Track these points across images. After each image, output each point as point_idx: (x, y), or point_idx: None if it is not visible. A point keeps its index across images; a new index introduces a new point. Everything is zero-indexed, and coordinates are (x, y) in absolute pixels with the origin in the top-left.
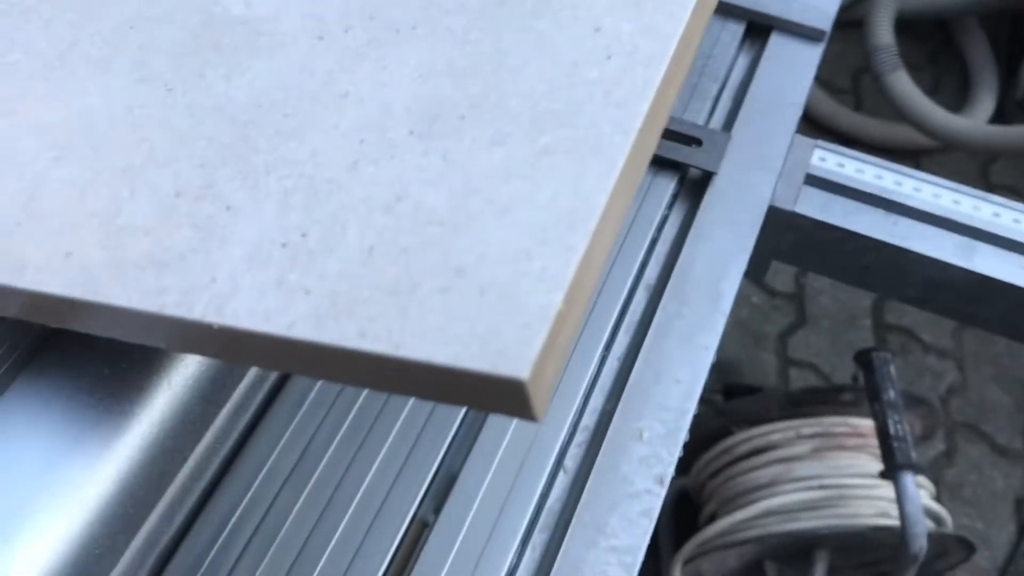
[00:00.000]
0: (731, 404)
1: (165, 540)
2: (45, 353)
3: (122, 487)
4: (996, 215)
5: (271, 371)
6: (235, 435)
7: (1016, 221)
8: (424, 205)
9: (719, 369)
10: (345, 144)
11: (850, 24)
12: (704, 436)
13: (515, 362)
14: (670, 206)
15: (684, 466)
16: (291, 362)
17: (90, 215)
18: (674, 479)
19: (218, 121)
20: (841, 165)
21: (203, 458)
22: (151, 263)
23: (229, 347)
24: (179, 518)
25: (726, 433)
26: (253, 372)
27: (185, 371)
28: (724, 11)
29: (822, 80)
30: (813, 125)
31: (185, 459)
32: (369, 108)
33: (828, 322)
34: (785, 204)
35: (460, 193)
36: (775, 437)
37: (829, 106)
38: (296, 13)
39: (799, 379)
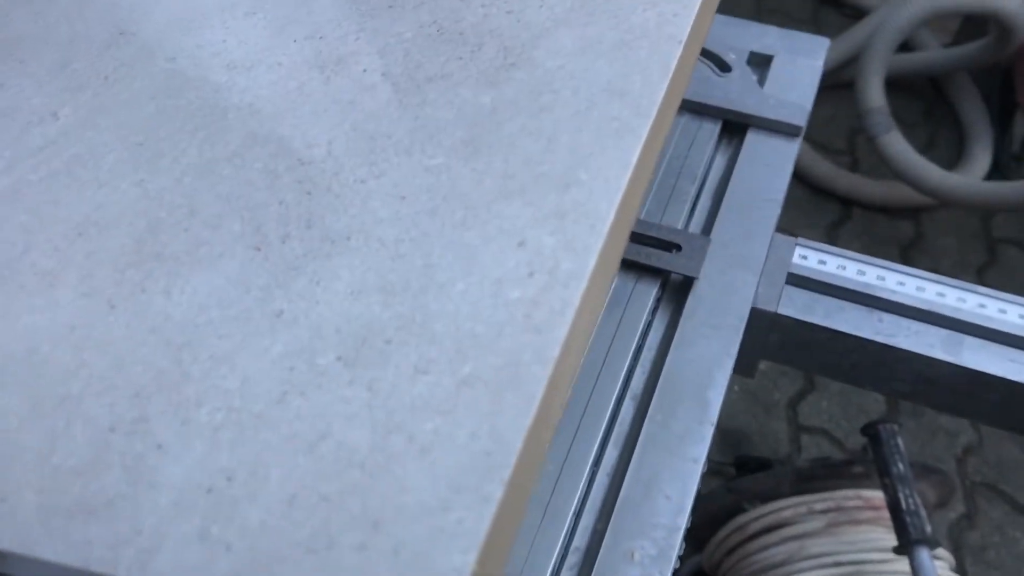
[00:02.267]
0: (743, 480)
1: None
2: None
3: None
4: (982, 306)
5: None
6: None
7: (1002, 312)
8: (346, 444)
9: (730, 440)
10: (275, 372)
11: (842, 85)
12: (717, 512)
13: None
14: (653, 312)
15: (700, 543)
16: None
17: (25, 451)
18: (690, 556)
19: (155, 343)
20: (823, 262)
21: None
22: (81, 510)
23: None
24: None
25: (739, 509)
26: None
27: None
28: (699, 110)
29: (817, 142)
30: (811, 188)
31: None
32: (301, 330)
33: (838, 386)
34: (768, 305)
35: (382, 430)
36: (787, 513)
37: (826, 168)
38: (236, 219)
39: (811, 446)
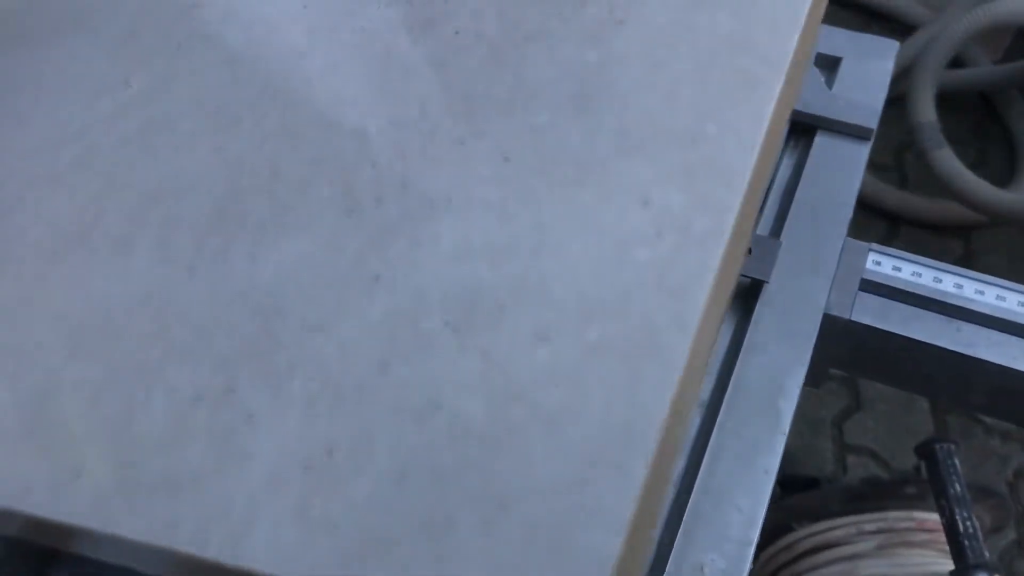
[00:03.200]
0: (791, 498)
1: None
2: (54, 570)
3: None
4: None
5: None
6: None
7: None
8: (461, 415)
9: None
10: (375, 338)
11: (891, 101)
12: (765, 532)
13: None
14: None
15: None
16: None
17: (102, 422)
18: None
19: (241, 309)
20: (897, 269)
21: None
22: (164, 485)
23: None
24: None
25: (787, 528)
26: None
27: None
28: None
29: None
30: (858, 204)
31: None
32: (401, 294)
33: (884, 406)
34: (841, 312)
35: (501, 400)
36: (838, 533)
37: (873, 184)
38: (324, 182)
39: (857, 466)
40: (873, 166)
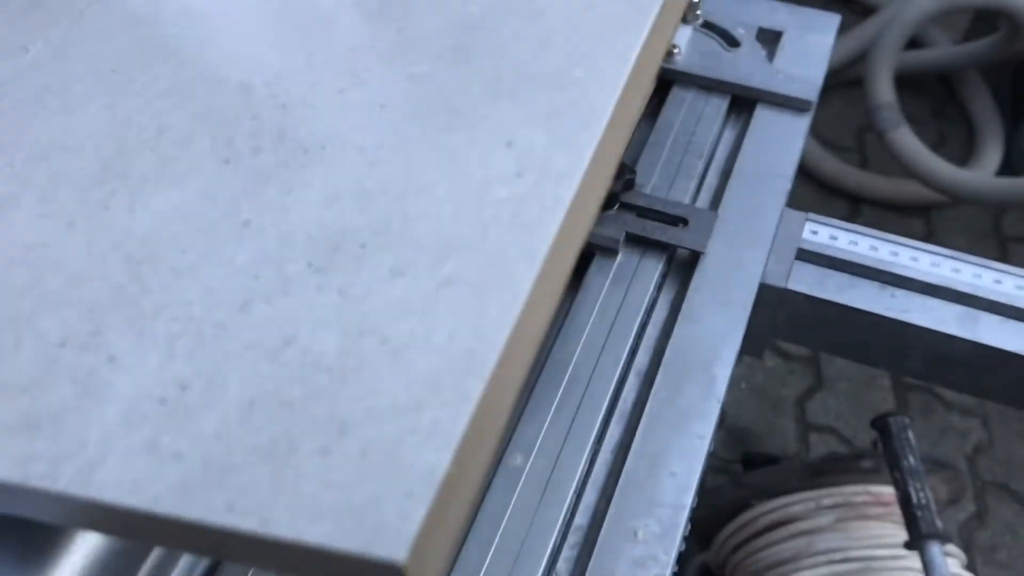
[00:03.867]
0: (750, 475)
1: None
2: None
3: None
4: (998, 282)
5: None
6: None
7: (1019, 288)
8: (313, 350)
9: (737, 437)
10: (239, 281)
11: (851, 83)
12: (724, 508)
13: (392, 541)
14: (659, 288)
15: (706, 540)
16: (163, 536)
17: None
18: (696, 554)
19: (115, 259)
20: (834, 238)
21: None
22: (25, 425)
23: (99, 521)
24: None
25: (746, 505)
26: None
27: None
28: (707, 86)
29: (826, 140)
30: (819, 185)
31: None
32: (269, 238)
33: (846, 384)
34: (777, 281)
35: (353, 334)
36: (796, 509)
37: (834, 165)
38: (206, 135)
39: (819, 444)
40: (834, 147)
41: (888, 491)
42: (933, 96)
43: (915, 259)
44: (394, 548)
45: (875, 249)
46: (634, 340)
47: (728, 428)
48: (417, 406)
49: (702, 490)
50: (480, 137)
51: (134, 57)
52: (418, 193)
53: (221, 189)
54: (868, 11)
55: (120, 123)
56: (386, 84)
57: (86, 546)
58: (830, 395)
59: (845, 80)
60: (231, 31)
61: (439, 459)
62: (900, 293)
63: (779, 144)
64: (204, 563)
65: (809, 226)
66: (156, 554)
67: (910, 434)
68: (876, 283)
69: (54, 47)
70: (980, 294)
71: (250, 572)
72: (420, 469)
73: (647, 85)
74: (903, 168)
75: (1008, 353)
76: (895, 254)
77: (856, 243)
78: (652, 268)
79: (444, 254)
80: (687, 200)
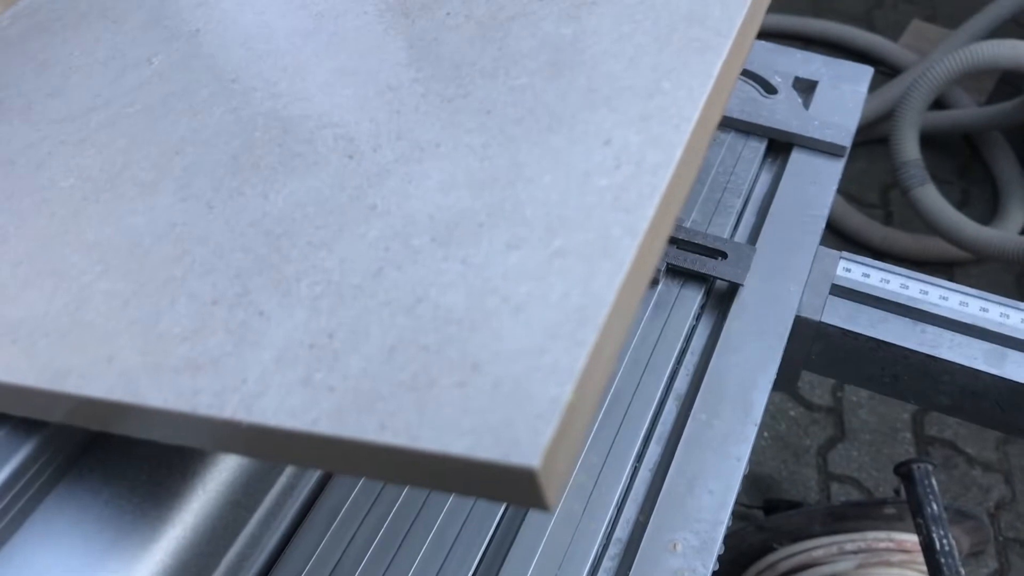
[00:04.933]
0: (772, 519)
1: None
2: (86, 460)
3: None
4: None
5: (305, 478)
6: (269, 542)
7: None
8: (443, 306)
9: (759, 485)
10: (371, 252)
11: (876, 141)
12: (746, 552)
13: (526, 451)
14: (698, 317)
15: None
16: (318, 457)
17: (132, 323)
18: None
19: (255, 234)
20: (866, 275)
21: (234, 563)
22: (187, 366)
23: (259, 444)
24: None
25: (768, 549)
26: (284, 479)
27: (219, 477)
28: (745, 129)
29: (851, 196)
30: (844, 239)
31: (218, 564)
32: (394, 219)
33: (868, 435)
34: (812, 314)
35: (477, 294)
36: (818, 553)
37: (859, 221)
38: (329, 135)
39: (841, 494)
40: (859, 203)
41: (910, 538)
42: (957, 156)
43: (944, 298)
44: (529, 456)
45: (905, 287)
46: (674, 365)
47: (750, 476)
48: (540, 350)
49: (734, 500)
50: (579, 137)
51: (252, 68)
52: (527, 183)
53: (347, 179)
54: (894, 72)
55: (245, 124)
56: (490, 94)
57: (213, 480)
58: (852, 446)
59: (871, 138)
60: (343, 48)
61: (562, 390)
62: (930, 329)
63: (814, 185)
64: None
65: (843, 263)
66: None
67: (933, 481)
68: (907, 319)
69: (175, 60)
70: (1008, 332)
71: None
72: (546, 397)
73: (725, 99)
74: (927, 225)
75: None
76: (925, 292)
77: (888, 281)
78: (692, 298)
79: (553, 231)
80: (726, 235)
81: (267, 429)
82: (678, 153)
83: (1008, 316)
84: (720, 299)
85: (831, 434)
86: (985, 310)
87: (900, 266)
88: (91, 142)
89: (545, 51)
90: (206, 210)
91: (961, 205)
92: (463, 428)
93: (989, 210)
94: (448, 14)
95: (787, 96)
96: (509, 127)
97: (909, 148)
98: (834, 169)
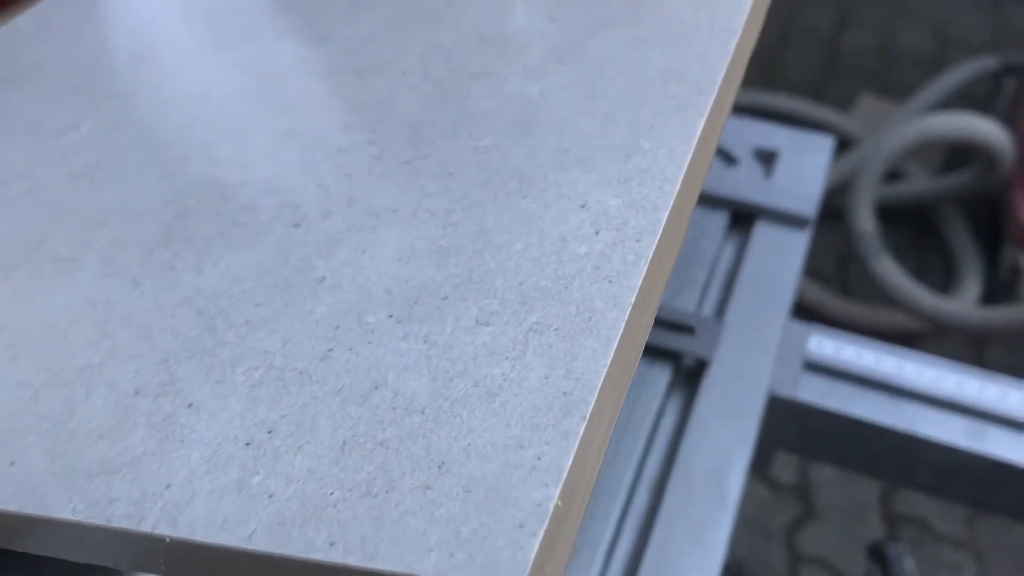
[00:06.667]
0: None
1: None
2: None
3: None
4: (1002, 396)
5: None
6: None
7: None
8: (403, 393)
9: (727, 569)
10: (318, 332)
11: (831, 213)
12: None
13: (508, 571)
14: (666, 396)
15: None
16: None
17: (41, 419)
18: None
19: (186, 313)
20: (839, 350)
21: None
22: (102, 470)
23: (185, 562)
24: None
25: None
26: None
27: None
28: (707, 202)
29: (808, 268)
30: (803, 312)
31: None
32: (346, 293)
33: (836, 515)
34: (786, 391)
35: (443, 378)
36: None
37: (817, 293)
38: (272, 202)
39: None
40: (816, 276)
41: None
42: (911, 227)
43: (920, 372)
44: None
45: (880, 362)
46: (643, 449)
47: None
48: (518, 444)
49: None
50: (552, 200)
51: (190, 133)
52: (496, 250)
53: (292, 250)
54: (845, 145)
55: (179, 192)
56: (452, 156)
57: None
58: (821, 526)
59: (825, 211)
60: (289, 110)
61: (548, 493)
62: (908, 405)
63: (780, 257)
64: None
65: (814, 337)
66: None
67: (909, 561)
68: (883, 395)
69: (105, 125)
70: (986, 407)
71: None
72: (528, 502)
73: (708, 161)
74: (886, 296)
75: (1017, 467)
76: (900, 367)
77: (861, 355)
78: (659, 376)
79: (529, 304)
80: (692, 309)
81: (194, 545)
82: (663, 217)
83: (984, 389)
84: (689, 376)
85: (798, 514)
86: (961, 384)
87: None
88: (5, 215)
89: (510, 110)
90: (132, 287)
91: (917, 275)
92: (429, 542)
93: (944, 279)
94: (404, 73)
95: (748, 167)
96: (474, 190)
97: (865, 220)
98: (799, 240)
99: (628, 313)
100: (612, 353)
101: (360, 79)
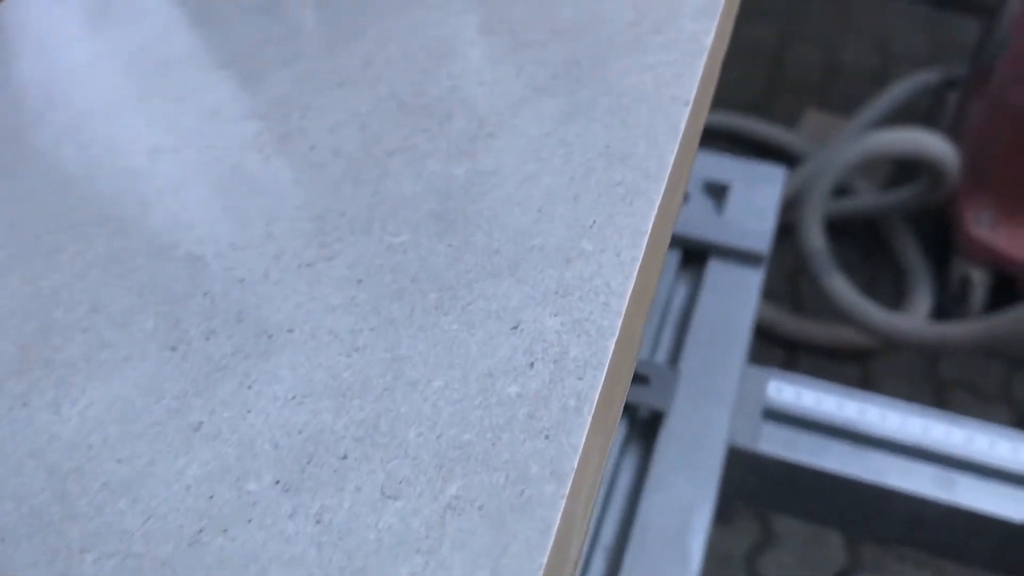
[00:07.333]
0: None
1: None
2: None
3: None
4: (968, 440)
5: None
6: None
7: (992, 445)
8: None
9: None
10: (189, 502)
11: (782, 229)
12: None
13: None
14: (621, 452)
15: None
16: None
17: None
18: None
19: (34, 470)
20: (799, 396)
21: None
22: None
23: None
24: None
25: None
26: None
27: None
28: None
29: None
30: (756, 332)
31: None
32: (226, 445)
33: (799, 539)
34: (746, 443)
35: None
36: None
37: (769, 311)
38: (150, 315)
39: None
40: (767, 293)
41: None
42: (861, 241)
43: (883, 417)
44: None
45: (842, 407)
46: (599, 513)
47: None
48: None
49: None
50: (478, 320)
51: (65, 221)
52: (410, 388)
53: (167, 383)
54: (793, 161)
55: (45, 299)
56: (362, 256)
57: None
58: (781, 551)
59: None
60: (177, 194)
61: None
62: (873, 454)
63: (734, 296)
64: None
65: (773, 383)
66: None
67: None
68: (847, 443)
69: None
70: (953, 453)
71: None
72: None
73: (660, 260)
74: (838, 312)
75: (988, 517)
76: (862, 412)
77: (822, 401)
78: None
79: (448, 468)
80: (645, 356)
81: None
82: (610, 345)
83: (951, 434)
84: (644, 428)
85: (757, 539)
86: (927, 429)
87: (811, 365)
88: None
89: (432, 197)
90: None
91: (868, 290)
92: None
93: (894, 292)
94: (312, 148)
95: (699, 201)
96: (386, 304)
97: (815, 237)
98: (754, 278)
99: (569, 486)
100: (551, 544)
101: (262, 153)
